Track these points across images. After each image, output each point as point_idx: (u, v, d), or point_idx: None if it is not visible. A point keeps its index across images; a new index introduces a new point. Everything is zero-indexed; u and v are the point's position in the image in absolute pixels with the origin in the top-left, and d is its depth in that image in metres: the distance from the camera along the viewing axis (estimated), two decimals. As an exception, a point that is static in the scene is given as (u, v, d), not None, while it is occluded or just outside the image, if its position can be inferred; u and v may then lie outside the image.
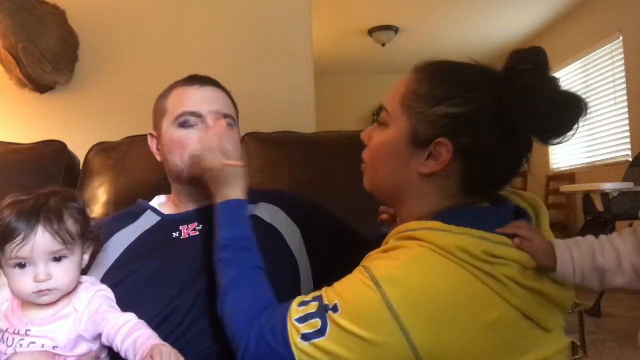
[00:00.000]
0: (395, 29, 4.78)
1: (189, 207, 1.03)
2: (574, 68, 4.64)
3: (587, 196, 3.26)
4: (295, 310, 0.71)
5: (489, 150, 0.73)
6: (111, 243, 0.99)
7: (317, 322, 0.68)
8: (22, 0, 1.89)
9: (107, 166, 1.45)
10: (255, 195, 1.07)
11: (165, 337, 0.83)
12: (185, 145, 0.98)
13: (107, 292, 0.80)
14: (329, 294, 0.71)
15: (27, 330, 0.74)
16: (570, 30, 4.67)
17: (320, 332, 0.67)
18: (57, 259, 0.74)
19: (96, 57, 2.09)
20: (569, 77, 4.74)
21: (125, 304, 0.87)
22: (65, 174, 1.47)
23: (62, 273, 0.74)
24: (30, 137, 1.57)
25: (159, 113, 1.05)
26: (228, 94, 1.08)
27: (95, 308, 0.76)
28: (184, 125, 0.99)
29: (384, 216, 0.95)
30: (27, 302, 0.76)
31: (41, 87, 2.03)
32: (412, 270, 0.66)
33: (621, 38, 4.01)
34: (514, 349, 0.67)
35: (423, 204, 0.76)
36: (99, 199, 1.40)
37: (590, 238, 0.72)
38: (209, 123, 0.99)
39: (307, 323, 0.69)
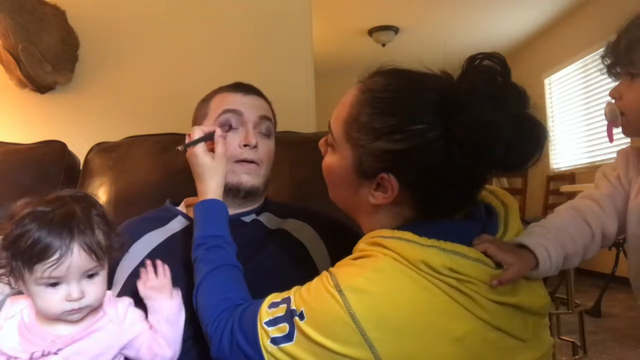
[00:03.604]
0: (395, 29, 4.78)
1: None
2: (574, 68, 4.64)
3: (587, 196, 3.25)
4: (265, 312, 0.71)
5: (439, 181, 0.69)
6: (140, 242, 1.00)
7: (285, 327, 0.68)
8: (22, 0, 1.89)
9: (107, 166, 1.45)
10: (285, 210, 1.08)
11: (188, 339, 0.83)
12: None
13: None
14: (296, 299, 0.69)
15: (59, 350, 0.69)
16: (570, 30, 4.66)
17: (288, 337, 0.67)
18: (90, 276, 0.71)
19: (96, 57, 2.08)
20: (569, 77, 4.74)
21: None
22: (65, 174, 1.47)
23: (94, 290, 0.71)
24: (30, 137, 1.57)
25: (199, 114, 1.06)
26: (269, 104, 1.09)
27: (140, 328, 0.76)
28: (224, 126, 0.99)
29: None
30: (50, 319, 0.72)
31: (41, 87, 2.03)
32: (376, 279, 0.64)
33: (621, 38, 4.01)
34: None
35: (379, 224, 0.74)
36: (99, 199, 1.39)
37: (558, 222, 0.80)
38: (249, 127, 1.00)
39: (275, 327, 0.68)
